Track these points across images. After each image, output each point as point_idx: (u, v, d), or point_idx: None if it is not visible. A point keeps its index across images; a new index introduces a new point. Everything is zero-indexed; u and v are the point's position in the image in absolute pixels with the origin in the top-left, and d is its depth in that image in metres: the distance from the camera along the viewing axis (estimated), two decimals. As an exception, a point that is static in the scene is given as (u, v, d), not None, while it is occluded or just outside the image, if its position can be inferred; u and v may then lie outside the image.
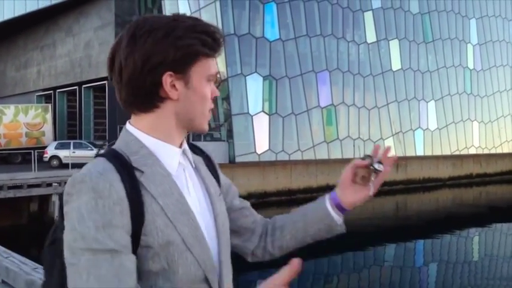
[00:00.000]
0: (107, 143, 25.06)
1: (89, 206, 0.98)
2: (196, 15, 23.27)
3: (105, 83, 27.52)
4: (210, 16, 22.82)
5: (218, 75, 1.13)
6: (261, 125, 22.28)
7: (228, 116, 22.08)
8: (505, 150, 35.30)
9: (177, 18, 1.11)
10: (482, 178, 34.77)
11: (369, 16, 27.55)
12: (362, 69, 27.12)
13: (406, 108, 29.02)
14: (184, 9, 24.28)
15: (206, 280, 1.10)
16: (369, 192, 1.31)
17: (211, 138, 22.53)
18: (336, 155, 25.39)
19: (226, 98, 22.16)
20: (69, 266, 0.98)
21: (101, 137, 28.37)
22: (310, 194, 25.03)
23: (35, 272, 4.35)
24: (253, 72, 22.58)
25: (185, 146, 1.19)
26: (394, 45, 28.70)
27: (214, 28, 1.14)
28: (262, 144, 22.39)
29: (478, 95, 33.42)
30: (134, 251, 1.02)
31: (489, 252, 16.03)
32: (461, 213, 23.64)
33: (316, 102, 25.08)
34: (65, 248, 0.99)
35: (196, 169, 1.22)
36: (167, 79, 1.08)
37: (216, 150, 20.81)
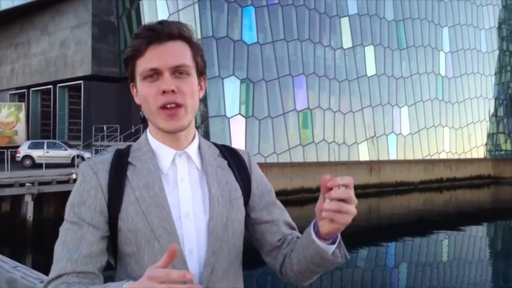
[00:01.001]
0: (81, 144, 24.83)
1: (76, 186, 1.25)
2: (174, 16, 23.35)
3: (80, 83, 27.23)
4: (189, 18, 22.86)
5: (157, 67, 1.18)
6: (238, 128, 22.41)
7: (205, 118, 22.13)
8: (474, 156, 36.06)
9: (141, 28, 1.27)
10: (452, 182, 35.53)
11: (345, 22, 27.92)
12: (338, 74, 27.43)
13: (380, 113, 29.42)
14: (162, 10, 24.26)
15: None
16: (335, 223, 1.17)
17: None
18: (311, 158, 25.64)
19: (204, 100, 22.22)
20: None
21: (75, 137, 28.04)
22: (285, 197, 25.23)
23: (16, 270, 4.37)
24: (231, 75, 22.68)
25: (189, 149, 1.29)
26: (369, 51, 29.11)
27: (141, 28, 1.24)
28: (238, 146, 22.34)
29: (449, 102, 34.11)
30: (113, 231, 1.22)
31: (457, 255, 16.29)
32: (432, 216, 24.07)
33: (293, 106, 25.29)
34: None
35: (203, 170, 1.29)
36: (132, 89, 1.30)
37: (192, 151, 20.89)
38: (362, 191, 29.16)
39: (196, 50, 1.27)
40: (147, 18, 25.28)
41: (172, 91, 1.19)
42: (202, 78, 1.31)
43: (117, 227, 1.22)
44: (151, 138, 1.30)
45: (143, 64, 1.21)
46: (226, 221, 1.26)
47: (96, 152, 21.50)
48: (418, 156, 31.45)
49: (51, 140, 25.39)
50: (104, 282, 1.21)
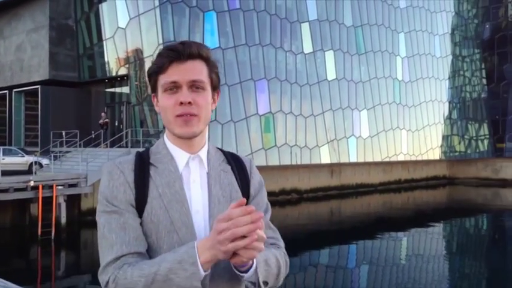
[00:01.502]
0: (38, 150, 24.19)
1: (104, 184, 1.40)
2: (135, 21, 23.16)
3: (37, 88, 26.56)
4: (149, 23, 22.71)
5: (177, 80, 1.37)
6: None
7: (167, 123, 22.01)
8: (430, 157, 37.06)
9: (166, 47, 1.44)
10: (409, 183, 36.49)
11: (305, 27, 28.30)
12: (299, 79, 27.75)
13: (341, 117, 29.88)
14: (122, 14, 24.00)
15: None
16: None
17: (149, 145, 22.30)
18: (274, 161, 25.84)
19: (165, 105, 22.10)
20: (97, 223, 1.39)
21: (32, 143, 27.30)
22: (248, 200, 25.35)
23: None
24: (193, 80, 22.64)
25: (201, 153, 1.46)
26: (329, 56, 29.57)
27: (165, 48, 1.43)
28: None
29: (406, 105, 34.97)
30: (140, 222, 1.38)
31: (416, 253, 16.67)
32: (391, 216, 24.64)
33: (255, 110, 25.43)
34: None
35: (208, 173, 1.46)
36: (154, 99, 1.47)
37: (155, 157, 20.68)
38: (323, 193, 29.60)
39: (212, 67, 1.45)
40: (106, 22, 24.95)
41: (189, 103, 1.37)
42: (216, 93, 1.48)
43: (141, 219, 1.38)
44: (168, 142, 1.47)
45: (165, 78, 1.40)
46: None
47: (55, 158, 21.02)
48: (377, 159, 32.07)
49: (7, 147, 24.61)
50: None
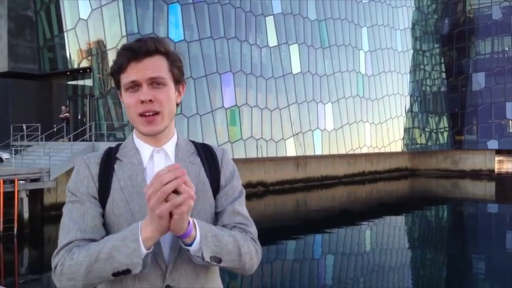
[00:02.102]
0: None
1: (72, 177, 1.48)
2: (97, 12, 22.69)
3: (-4, 80, 25.75)
4: (112, 14, 22.29)
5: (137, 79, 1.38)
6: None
7: (132, 116, 21.71)
8: (393, 149, 37.83)
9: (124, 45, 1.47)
10: (373, 175, 37.22)
11: (270, 21, 28.37)
12: (264, 72, 27.83)
13: (306, 110, 30.12)
14: (84, 6, 23.45)
15: (152, 252, 1.33)
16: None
17: (114, 139, 21.96)
18: (240, 154, 25.89)
19: (130, 98, 21.79)
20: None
21: (-10, 137, 26.47)
22: (214, 193, 25.31)
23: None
24: (158, 72, 22.39)
25: (166, 146, 1.48)
26: (294, 49, 29.75)
27: (123, 46, 1.43)
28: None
29: (369, 98, 35.55)
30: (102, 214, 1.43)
31: (379, 243, 17.07)
32: (355, 208, 25.09)
33: (221, 103, 25.38)
34: None
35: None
36: (120, 96, 1.49)
37: (119, 150, 20.38)
38: (290, 186, 29.87)
39: (173, 61, 1.45)
40: (67, 13, 24.34)
41: (150, 100, 1.38)
42: (180, 85, 1.49)
43: (104, 213, 1.42)
44: (135, 137, 1.50)
45: (125, 78, 1.41)
46: (192, 210, 1.32)
47: (16, 152, 20.44)
48: (342, 151, 32.52)
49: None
50: None
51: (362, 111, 34.68)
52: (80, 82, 25.83)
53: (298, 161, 30.84)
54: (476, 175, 40.30)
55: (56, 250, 1.36)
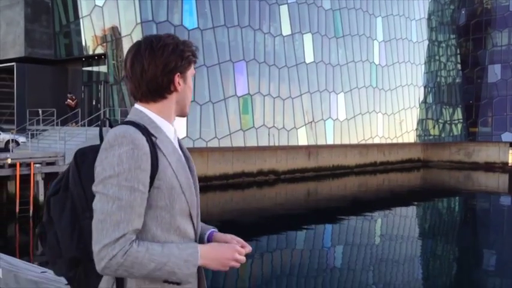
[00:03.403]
0: (15, 128, 23.86)
1: (128, 153, 1.42)
2: (112, 0, 22.80)
3: (13, 65, 26.05)
4: (127, 1, 22.43)
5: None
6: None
7: (146, 103, 21.89)
8: (405, 140, 37.68)
9: (174, 36, 1.61)
10: (385, 166, 37.13)
11: (284, 9, 28.30)
12: (277, 61, 27.83)
13: (318, 99, 30.11)
14: (100, -8, 23.63)
15: (190, 215, 1.57)
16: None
17: (128, 125, 22.23)
18: (252, 142, 26.02)
19: (144, 85, 21.96)
20: (100, 195, 1.42)
21: (8, 121, 26.86)
22: (226, 181, 25.52)
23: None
24: (172, 60, 22.50)
25: (175, 126, 1.67)
26: (307, 38, 29.68)
27: (193, 43, 1.65)
28: (179, 131, 22.41)
29: (382, 89, 35.41)
30: (148, 190, 1.49)
31: (389, 234, 17.12)
32: (366, 198, 25.14)
33: (233, 91, 25.48)
34: (97, 182, 1.44)
35: (179, 140, 1.70)
36: (177, 78, 1.58)
37: (133, 136, 20.60)
38: (301, 175, 29.97)
39: None
40: (83, 0, 24.54)
41: None
42: None
43: (152, 186, 1.49)
44: (155, 116, 1.58)
45: (192, 70, 1.64)
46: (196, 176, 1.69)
47: (32, 136, 20.81)
48: (354, 141, 32.50)
49: (-19, 125, 24.25)
50: None
51: (375, 101, 34.57)
52: (95, 68, 26.10)
53: (310, 150, 30.89)
54: (489, 167, 40.04)
55: (107, 241, 1.38)
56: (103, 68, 25.10)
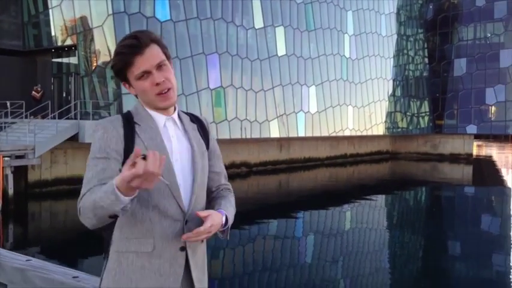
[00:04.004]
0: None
1: (100, 136, 1.71)
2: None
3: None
4: (99, -8, 22.14)
5: (151, 65, 1.73)
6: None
7: (118, 95, 21.77)
8: (375, 133, 38.41)
9: (126, 36, 1.75)
10: (354, 158, 37.79)
11: (256, 2, 28.32)
12: (250, 53, 27.91)
13: (290, 92, 30.36)
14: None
15: (173, 196, 1.73)
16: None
17: (99, 117, 22.04)
18: (224, 135, 26.11)
19: (115, 78, 21.76)
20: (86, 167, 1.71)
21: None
22: (198, 173, 25.52)
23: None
24: (144, 52, 22.33)
25: (173, 116, 1.83)
26: (279, 31, 29.82)
27: (123, 41, 1.73)
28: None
29: (352, 82, 35.91)
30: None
31: (359, 224, 17.38)
32: (337, 189, 25.56)
33: (206, 84, 25.47)
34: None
35: (185, 130, 1.84)
36: (124, 85, 1.82)
37: (105, 129, 20.42)
38: (273, 167, 30.25)
39: (162, 45, 1.81)
40: (52, -10, 24.08)
41: (163, 81, 1.73)
42: (170, 61, 1.85)
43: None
44: (146, 108, 1.80)
45: (135, 70, 1.72)
46: (202, 165, 1.84)
47: (0, 129, 20.43)
48: (325, 134, 32.89)
49: None
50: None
51: (345, 94, 35.02)
52: (65, 60, 25.68)
53: (282, 142, 31.19)
54: (454, 159, 41.19)
55: (79, 197, 1.64)
56: (73, 60, 24.74)
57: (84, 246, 12.89)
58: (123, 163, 1.69)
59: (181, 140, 1.82)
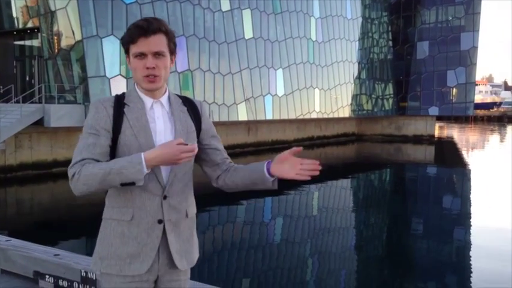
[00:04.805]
0: None
1: (92, 115, 1.95)
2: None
3: None
4: (61, -27, 21.56)
5: (149, 50, 1.94)
6: (119, 88, 21.97)
7: (84, 79, 21.41)
8: (341, 115, 38.91)
9: (142, 19, 1.99)
10: (321, 140, 38.28)
11: (223, -16, 28.15)
12: (217, 36, 27.78)
13: (257, 75, 30.38)
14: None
15: (153, 172, 1.91)
16: (289, 175, 1.98)
17: (64, 101, 21.66)
18: (192, 118, 25.98)
19: (81, 60, 21.42)
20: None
21: None
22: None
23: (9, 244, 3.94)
24: (110, 35, 21.99)
25: (162, 99, 2.01)
26: (246, 14, 29.71)
27: (137, 21, 1.94)
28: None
29: (319, 65, 36.17)
30: (114, 146, 1.94)
31: (326, 205, 17.73)
32: (304, 171, 25.89)
33: (173, 67, 25.19)
34: None
35: (171, 113, 2.02)
36: (127, 59, 2.01)
37: (71, 113, 20.09)
38: (241, 150, 30.40)
39: (170, 38, 2.00)
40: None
41: (153, 68, 1.91)
42: (173, 56, 2.02)
43: (117, 143, 1.94)
44: (138, 89, 2.01)
45: (135, 48, 1.93)
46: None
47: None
48: (292, 116, 33.18)
49: None
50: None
51: (312, 77, 35.29)
52: (28, 42, 25.00)
53: (249, 125, 31.34)
54: (417, 140, 42.20)
55: (71, 164, 1.86)
56: (36, 42, 24.13)
57: (54, 229, 12.83)
58: (113, 139, 1.92)
59: (166, 122, 2.00)
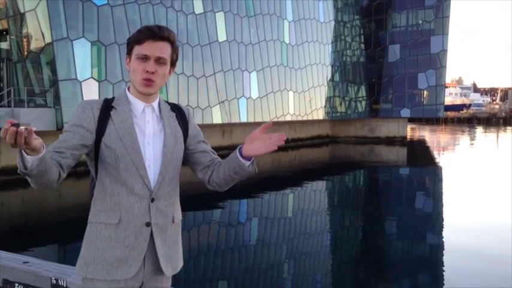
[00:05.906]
0: None
1: (77, 114, 1.96)
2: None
3: None
4: (30, -26, 21.14)
5: (151, 54, 1.96)
6: (91, 92, 21.69)
7: (54, 82, 21.01)
8: (315, 117, 39.17)
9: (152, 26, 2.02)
10: (296, 142, 38.42)
11: (196, -13, 28.05)
12: (191, 39, 27.66)
13: (231, 78, 30.36)
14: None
15: (139, 175, 1.93)
16: (261, 151, 1.97)
17: (34, 105, 21.21)
18: (166, 122, 25.75)
19: (51, 63, 21.02)
20: None
21: None
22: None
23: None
24: (81, 37, 21.65)
25: (153, 104, 2.04)
26: (220, 17, 29.66)
27: (149, 25, 1.98)
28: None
29: (292, 67, 36.37)
30: (97, 148, 1.94)
31: (301, 208, 17.76)
32: (279, 174, 25.96)
33: (146, 70, 24.97)
34: None
35: (161, 118, 2.05)
36: (126, 59, 2.00)
37: (41, 116, 19.69)
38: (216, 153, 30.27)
39: (174, 49, 2.04)
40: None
41: (153, 72, 1.94)
42: (172, 68, 2.08)
43: (100, 145, 1.93)
44: (129, 94, 2.04)
45: (139, 49, 1.95)
46: (173, 149, 2.04)
47: None
48: (267, 119, 33.04)
49: None
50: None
51: (286, 79, 35.43)
52: (-5, 45, 24.44)
53: (224, 128, 31.26)
54: (390, 141, 42.77)
55: None
56: (4, 45, 23.58)
57: (24, 236, 12.54)
58: (96, 141, 1.92)
59: (155, 126, 2.02)
